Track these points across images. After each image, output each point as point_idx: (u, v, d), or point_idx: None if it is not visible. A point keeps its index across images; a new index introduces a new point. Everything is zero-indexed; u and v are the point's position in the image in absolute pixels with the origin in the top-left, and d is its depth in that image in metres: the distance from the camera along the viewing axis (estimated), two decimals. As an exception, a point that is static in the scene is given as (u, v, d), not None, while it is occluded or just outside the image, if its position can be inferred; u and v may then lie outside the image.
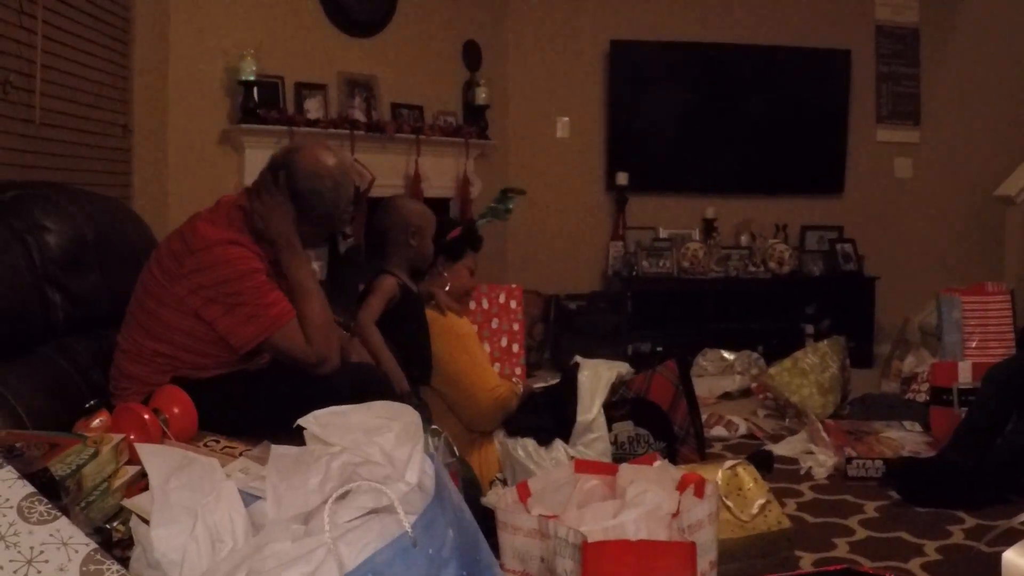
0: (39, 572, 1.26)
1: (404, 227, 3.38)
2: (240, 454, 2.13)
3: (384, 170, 5.11)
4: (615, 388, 3.67)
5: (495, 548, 1.84)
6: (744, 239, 6.68)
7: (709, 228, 6.65)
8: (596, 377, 3.59)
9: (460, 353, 3.40)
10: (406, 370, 3.16)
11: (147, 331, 2.52)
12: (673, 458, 3.46)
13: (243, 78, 4.56)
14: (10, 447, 1.71)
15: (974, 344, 4.24)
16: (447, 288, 3.61)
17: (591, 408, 3.51)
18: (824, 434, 4.04)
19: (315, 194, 2.66)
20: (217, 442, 2.26)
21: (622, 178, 6.51)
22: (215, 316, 2.48)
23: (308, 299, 2.59)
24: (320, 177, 2.67)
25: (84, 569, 1.28)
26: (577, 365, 3.68)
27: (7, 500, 1.32)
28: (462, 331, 3.46)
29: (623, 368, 3.75)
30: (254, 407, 2.42)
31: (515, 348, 4.24)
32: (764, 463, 3.60)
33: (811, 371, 4.75)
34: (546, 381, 3.81)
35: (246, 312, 2.47)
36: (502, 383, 3.44)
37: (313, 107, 5.01)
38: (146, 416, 2.14)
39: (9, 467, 1.37)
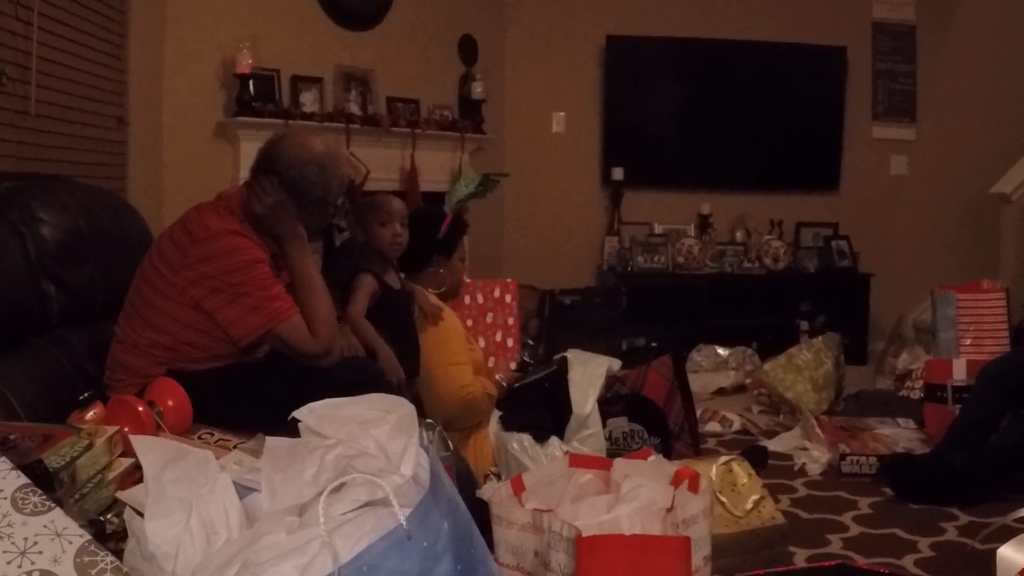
0: (32, 563, 1.26)
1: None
2: (234, 447, 2.12)
3: (379, 164, 5.11)
4: (609, 384, 3.67)
5: (489, 542, 1.84)
6: (739, 235, 6.68)
7: (704, 224, 6.65)
8: (587, 372, 3.59)
9: (436, 350, 3.39)
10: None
11: (147, 322, 2.52)
12: (667, 453, 3.46)
13: (239, 71, 4.55)
14: (4, 438, 1.70)
15: (969, 341, 4.24)
16: (446, 284, 3.62)
17: (585, 404, 3.51)
18: (818, 430, 4.05)
19: (304, 180, 2.65)
20: (211, 435, 2.25)
21: (617, 173, 6.51)
22: (217, 306, 2.48)
23: (314, 292, 2.60)
24: (305, 163, 2.66)
25: (78, 560, 1.28)
26: (565, 359, 3.67)
27: (1, 491, 1.32)
28: (443, 328, 3.44)
29: (615, 364, 3.75)
30: (249, 400, 2.41)
31: (510, 343, 4.24)
32: (758, 459, 3.61)
33: (805, 367, 4.75)
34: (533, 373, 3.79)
35: (249, 303, 2.47)
36: (475, 382, 3.42)
37: (309, 100, 5.00)
38: (140, 408, 2.14)
39: (3, 458, 1.37)
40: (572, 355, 3.69)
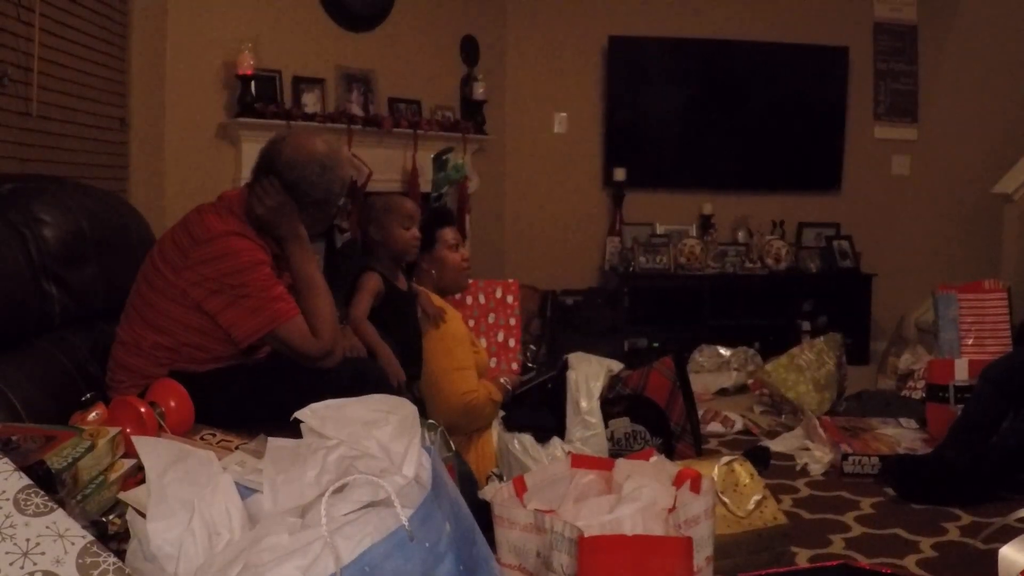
0: (35, 564, 1.26)
1: (368, 221, 3.38)
2: (236, 447, 2.12)
3: (381, 164, 5.11)
4: (612, 384, 3.67)
5: (491, 543, 1.84)
6: (741, 235, 6.68)
7: (706, 224, 6.65)
8: (587, 373, 3.59)
9: (440, 354, 3.38)
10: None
11: (148, 323, 2.52)
12: (669, 454, 3.46)
13: (240, 72, 4.55)
14: (7, 440, 1.70)
15: (970, 341, 4.24)
16: (435, 278, 3.62)
17: (586, 404, 3.51)
18: (820, 430, 4.05)
19: (305, 181, 2.65)
20: (213, 435, 2.25)
21: (619, 174, 6.51)
22: (219, 308, 2.48)
23: (316, 293, 2.60)
24: (306, 164, 2.66)
25: (80, 562, 1.28)
26: (566, 361, 3.67)
27: (3, 492, 1.32)
28: (447, 333, 3.44)
29: (615, 365, 3.75)
30: (251, 400, 2.42)
31: (511, 343, 4.24)
32: (760, 459, 3.60)
33: (807, 368, 4.75)
34: (536, 377, 3.79)
35: (251, 304, 2.47)
36: (480, 388, 3.41)
37: (310, 101, 5.00)
38: (142, 409, 2.13)
39: (5, 459, 1.37)
40: (572, 357, 3.69)
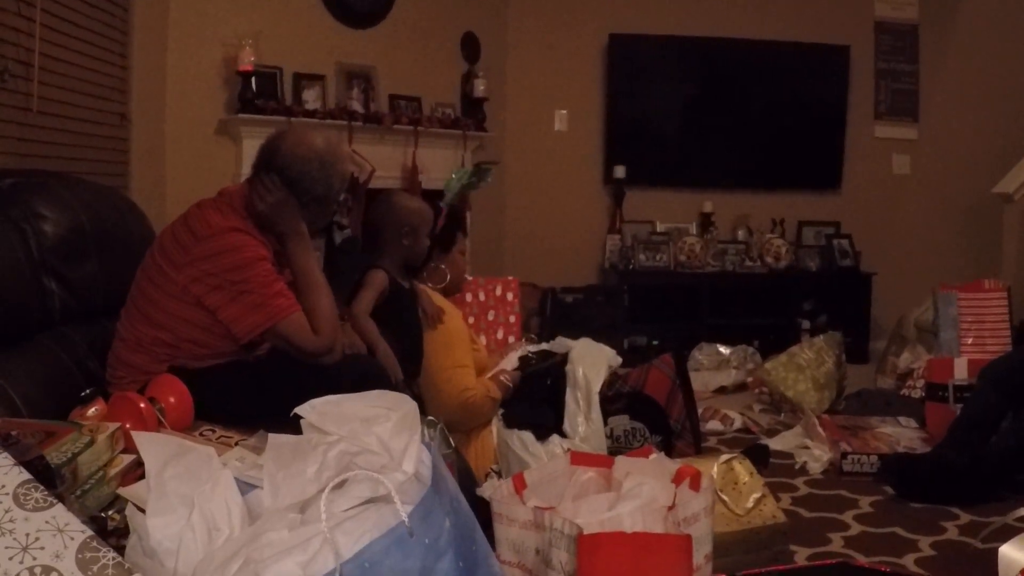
0: (35, 559, 1.26)
1: (398, 226, 3.36)
2: (236, 443, 2.12)
3: (382, 161, 5.11)
4: (611, 381, 3.67)
5: (490, 540, 1.84)
6: (741, 234, 6.68)
7: (706, 222, 6.65)
8: (586, 369, 3.58)
9: (439, 351, 3.38)
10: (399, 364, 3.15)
11: (148, 319, 2.52)
12: (669, 452, 3.46)
13: (241, 68, 4.55)
14: (6, 435, 1.70)
15: (970, 341, 4.24)
16: (447, 279, 3.62)
17: (585, 402, 3.51)
18: (820, 429, 4.04)
19: (305, 178, 2.65)
20: (213, 431, 2.25)
21: (620, 171, 6.51)
22: (219, 304, 2.47)
23: (316, 289, 2.59)
24: (307, 159, 2.65)
25: (80, 556, 1.28)
26: (566, 357, 3.67)
27: (3, 487, 1.32)
28: (447, 330, 3.44)
29: (614, 360, 3.75)
30: (251, 396, 2.41)
31: (511, 341, 4.24)
32: (759, 457, 3.60)
33: (807, 366, 4.75)
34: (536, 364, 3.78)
35: (252, 300, 2.47)
36: (477, 386, 3.41)
37: (311, 98, 5.00)
38: (142, 405, 2.13)
39: (5, 454, 1.37)
40: (578, 344, 3.69)
